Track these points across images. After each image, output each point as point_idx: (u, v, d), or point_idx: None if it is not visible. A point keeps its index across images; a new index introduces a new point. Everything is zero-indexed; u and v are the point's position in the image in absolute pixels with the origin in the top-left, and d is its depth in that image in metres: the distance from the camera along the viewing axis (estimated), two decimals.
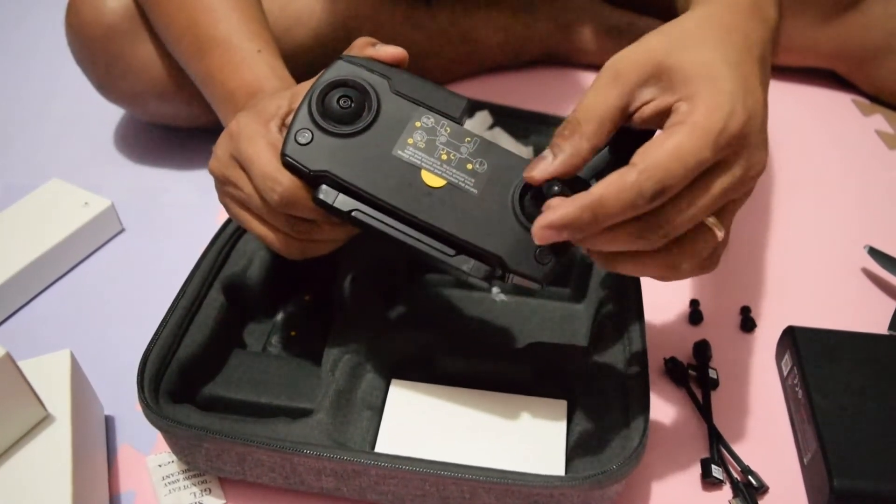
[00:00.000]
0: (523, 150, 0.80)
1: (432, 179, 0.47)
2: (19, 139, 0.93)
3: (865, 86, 0.97)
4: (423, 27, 0.94)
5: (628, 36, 0.97)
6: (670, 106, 0.41)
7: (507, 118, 0.87)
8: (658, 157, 0.39)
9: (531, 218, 0.46)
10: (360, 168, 0.47)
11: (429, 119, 0.48)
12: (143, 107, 0.82)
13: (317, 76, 0.49)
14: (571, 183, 0.44)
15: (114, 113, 0.95)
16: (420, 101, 0.48)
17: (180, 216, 0.81)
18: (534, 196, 0.46)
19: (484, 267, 0.47)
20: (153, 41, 0.77)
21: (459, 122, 0.48)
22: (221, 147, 0.51)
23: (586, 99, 0.42)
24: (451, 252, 0.47)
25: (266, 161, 0.47)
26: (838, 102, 0.98)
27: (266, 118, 0.49)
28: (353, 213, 0.47)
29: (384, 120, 0.48)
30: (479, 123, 0.83)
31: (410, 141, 0.47)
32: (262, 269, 0.63)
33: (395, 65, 0.49)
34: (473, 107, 0.88)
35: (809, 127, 0.93)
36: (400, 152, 0.47)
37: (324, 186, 0.47)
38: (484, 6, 0.97)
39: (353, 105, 0.47)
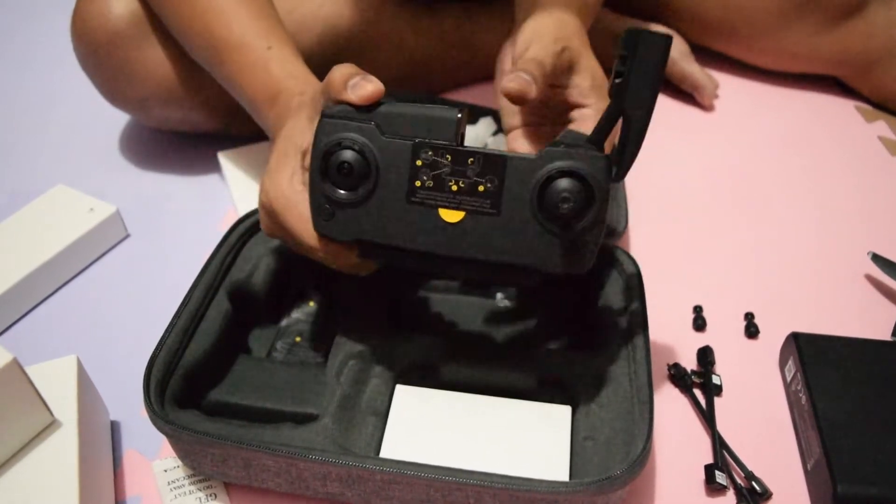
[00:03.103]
0: None
1: (451, 215, 0.48)
2: (24, 145, 0.93)
3: (868, 92, 0.97)
4: (426, 33, 0.94)
5: None
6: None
7: None
8: None
9: (552, 216, 0.47)
10: (383, 226, 0.49)
11: (427, 153, 0.48)
12: (148, 112, 0.83)
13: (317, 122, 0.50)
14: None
15: (119, 119, 0.95)
16: (412, 136, 0.48)
17: (185, 222, 0.81)
18: (550, 195, 0.46)
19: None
20: (159, 47, 0.77)
21: (455, 143, 0.48)
22: (263, 218, 0.56)
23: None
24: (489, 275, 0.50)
25: (304, 235, 0.52)
26: (841, 109, 0.98)
27: (286, 178, 0.53)
28: (393, 262, 0.51)
29: (386, 169, 0.48)
30: (483, 129, 0.84)
31: (418, 183, 0.48)
32: (267, 276, 0.63)
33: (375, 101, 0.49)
34: (477, 112, 0.88)
35: (812, 133, 0.94)
36: (413, 198, 0.48)
37: (359, 248, 0.52)
38: (487, 12, 0.97)
39: (353, 169, 0.48)
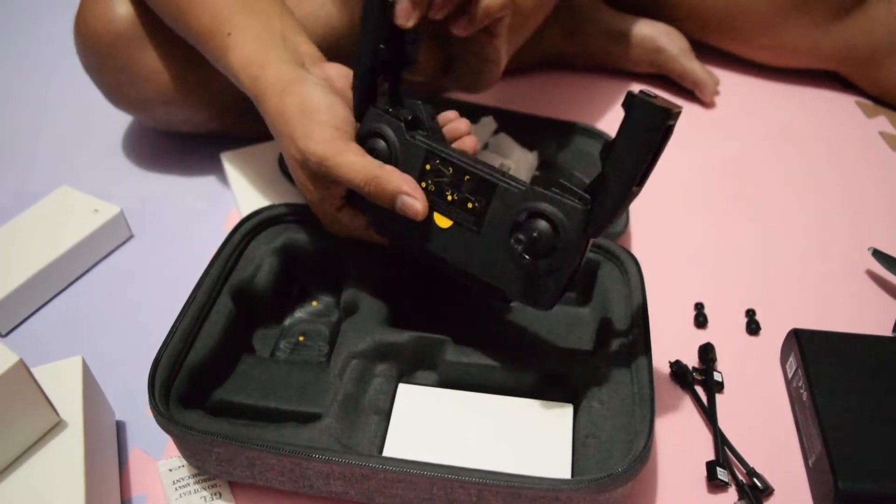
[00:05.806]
0: (528, 155, 0.81)
1: (442, 221, 0.53)
2: (28, 147, 0.94)
3: (869, 87, 0.97)
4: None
5: (632, 40, 0.98)
6: None
7: (511, 123, 0.87)
8: None
9: (528, 251, 0.49)
10: (392, 215, 0.53)
11: (435, 160, 0.52)
12: (151, 113, 0.83)
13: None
14: (564, 211, 0.48)
15: (122, 120, 0.96)
16: (426, 142, 0.53)
17: (189, 222, 0.81)
18: (521, 230, 0.49)
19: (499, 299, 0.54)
20: (161, 48, 0.77)
21: (458, 159, 0.52)
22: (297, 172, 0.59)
23: None
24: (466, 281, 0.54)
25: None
26: (842, 104, 0.98)
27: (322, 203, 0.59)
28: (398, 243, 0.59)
29: (404, 164, 0.54)
30: (483, 128, 0.84)
31: (424, 185, 0.53)
32: (271, 275, 0.63)
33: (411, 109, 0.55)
34: (478, 112, 0.88)
35: (813, 129, 0.94)
36: None
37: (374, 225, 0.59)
38: None
39: (380, 157, 0.54)
